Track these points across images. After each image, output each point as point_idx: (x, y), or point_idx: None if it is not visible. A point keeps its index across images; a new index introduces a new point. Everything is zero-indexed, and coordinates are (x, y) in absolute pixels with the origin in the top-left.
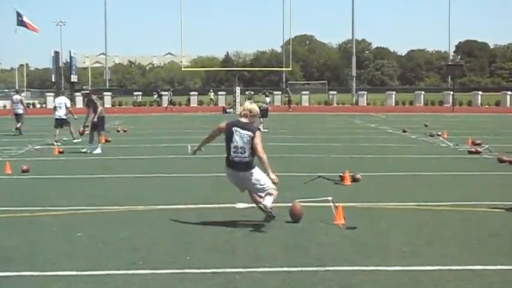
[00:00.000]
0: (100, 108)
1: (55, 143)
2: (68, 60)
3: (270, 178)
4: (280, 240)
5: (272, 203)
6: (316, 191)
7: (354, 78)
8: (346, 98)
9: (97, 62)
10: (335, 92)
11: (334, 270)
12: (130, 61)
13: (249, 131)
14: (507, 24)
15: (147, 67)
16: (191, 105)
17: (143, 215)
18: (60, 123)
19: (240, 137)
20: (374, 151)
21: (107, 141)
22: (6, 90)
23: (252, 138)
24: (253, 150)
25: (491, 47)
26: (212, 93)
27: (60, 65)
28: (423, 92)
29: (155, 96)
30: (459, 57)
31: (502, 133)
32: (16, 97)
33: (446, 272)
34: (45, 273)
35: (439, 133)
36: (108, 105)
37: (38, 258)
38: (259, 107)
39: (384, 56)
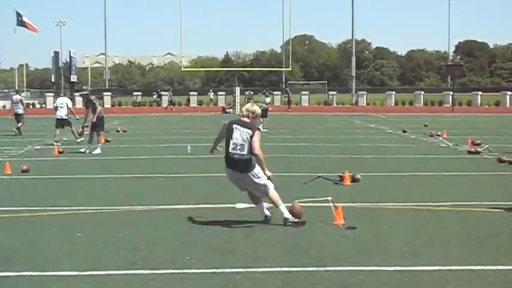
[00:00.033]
0: (99, 108)
1: (55, 143)
2: (68, 60)
3: (266, 175)
4: (280, 240)
5: (271, 203)
6: (315, 191)
7: (354, 79)
8: (346, 98)
9: (97, 62)
10: (335, 92)
11: (334, 270)
12: (130, 61)
13: (249, 129)
14: (507, 24)
15: (147, 67)
16: (191, 105)
17: (143, 215)
18: (61, 123)
19: (239, 134)
20: (374, 151)
21: (106, 141)
22: (6, 90)
23: (251, 137)
24: (250, 149)
25: (491, 47)
26: (212, 93)
27: (60, 65)
28: (423, 92)
29: (155, 96)
30: (459, 57)
31: (501, 133)
32: (16, 97)
33: (446, 272)
34: (45, 273)
35: (439, 133)
36: (107, 105)
37: (38, 258)
38: (259, 107)
39: (384, 56)
